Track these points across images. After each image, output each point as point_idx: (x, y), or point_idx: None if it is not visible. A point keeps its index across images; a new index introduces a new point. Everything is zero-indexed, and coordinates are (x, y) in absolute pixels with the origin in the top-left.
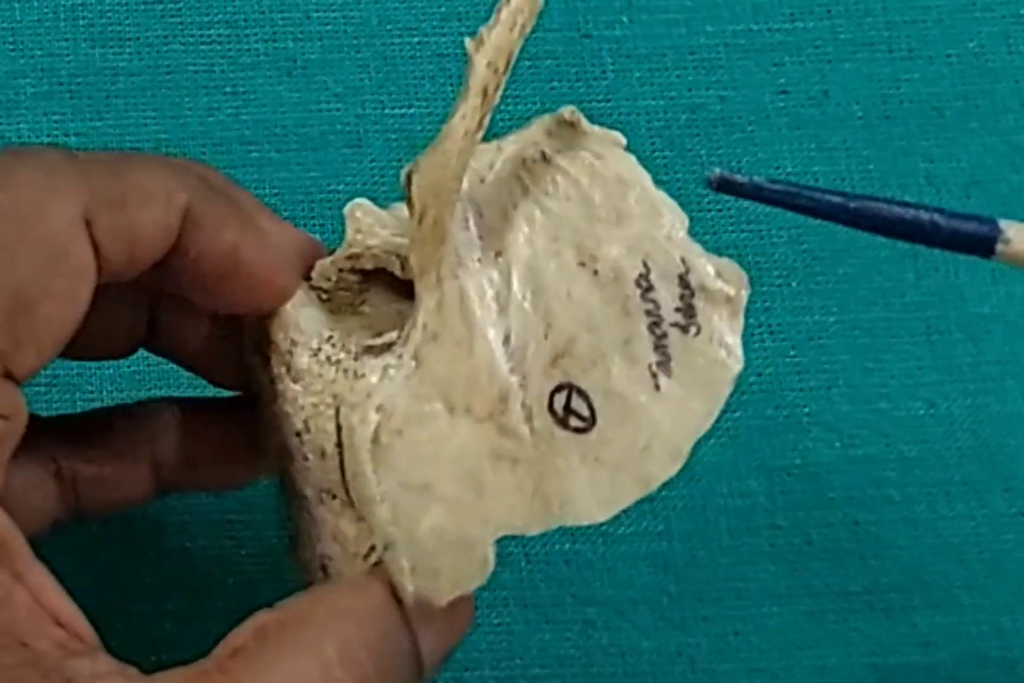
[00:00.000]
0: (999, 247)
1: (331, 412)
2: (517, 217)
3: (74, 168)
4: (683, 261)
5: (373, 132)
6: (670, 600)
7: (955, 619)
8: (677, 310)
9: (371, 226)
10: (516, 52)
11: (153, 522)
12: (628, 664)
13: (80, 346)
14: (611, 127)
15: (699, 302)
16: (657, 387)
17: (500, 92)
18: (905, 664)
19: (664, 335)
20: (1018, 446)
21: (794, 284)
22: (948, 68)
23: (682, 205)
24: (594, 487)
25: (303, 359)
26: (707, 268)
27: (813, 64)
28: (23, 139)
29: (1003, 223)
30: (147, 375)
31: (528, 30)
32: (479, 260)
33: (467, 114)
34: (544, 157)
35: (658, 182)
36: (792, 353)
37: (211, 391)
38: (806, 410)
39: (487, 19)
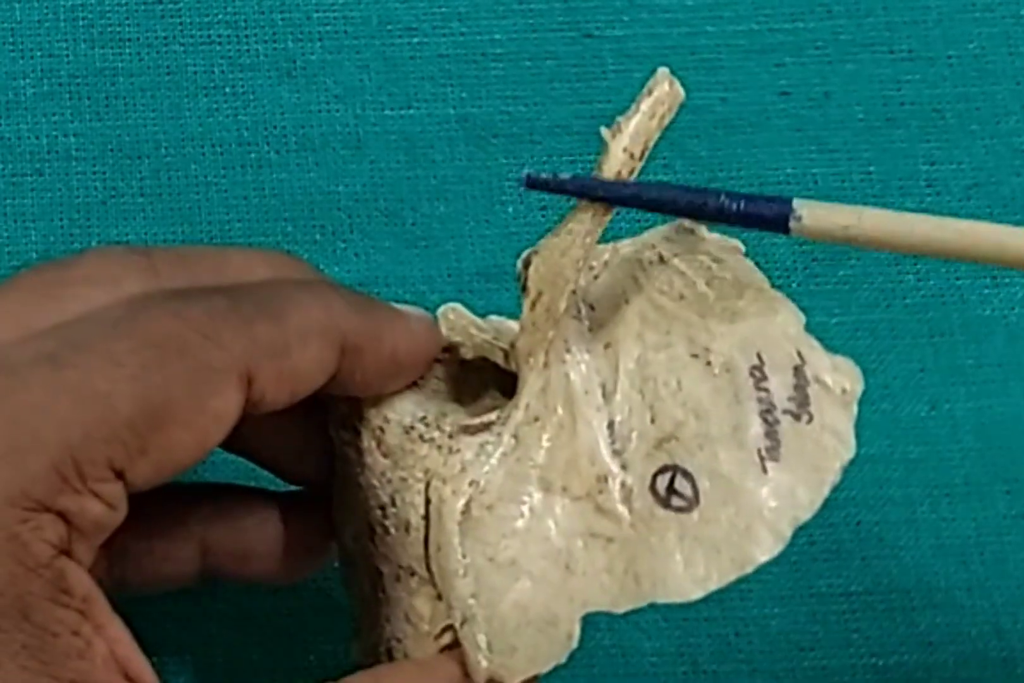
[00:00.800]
0: (793, 224)
1: (420, 486)
2: (629, 312)
3: (237, 316)
4: (799, 354)
5: (373, 133)
6: None
7: (956, 620)
8: (790, 399)
9: (464, 327)
10: (653, 141)
11: None
12: (630, 665)
13: None
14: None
15: (813, 392)
16: (764, 470)
17: (634, 177)
18: (906, 664)
19: (776, 422)
20: (1020, 448)
21: (795, 285)
22: (949, 70)
23: None
24: (689, 566)
25: (395, 435)
26: (823, 361)
27: (814, 65)
28: (23, 139)
29: (796, 202)
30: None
31: (668, 121)
32: (587, 350)
33: None
34: (661, 259)
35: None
36: None
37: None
38: None
39: (488, 19)
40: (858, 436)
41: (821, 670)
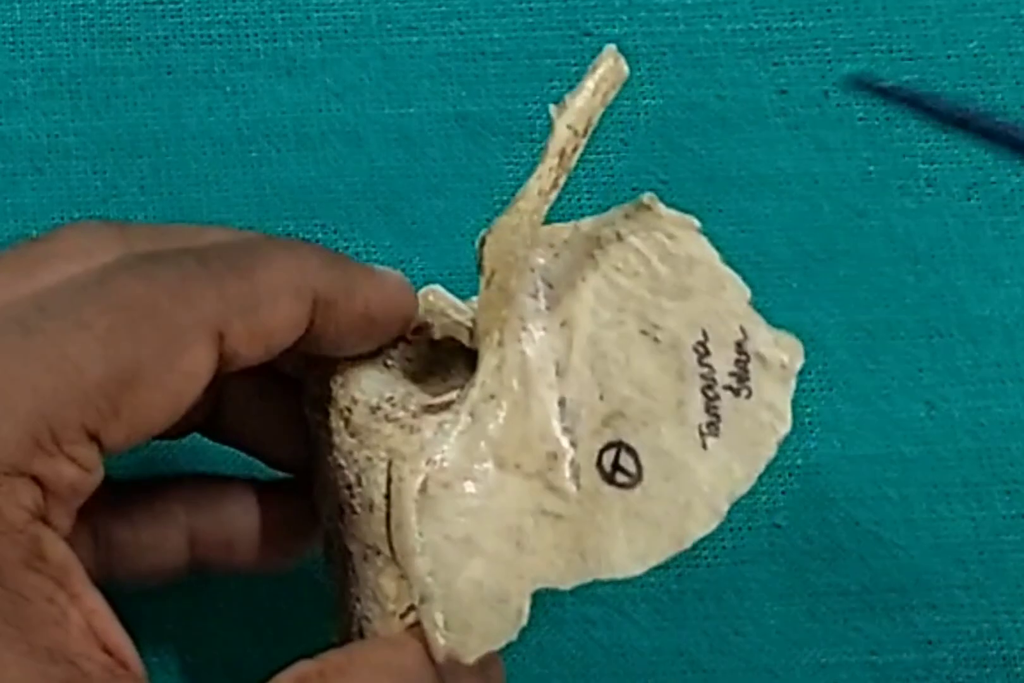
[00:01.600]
0: None
1: (384, 465)
2: (585, 290)
3: (207, 274)
4: (742, 329)
5: (372, 131)
6: (671, 598)
7: (954, 618)
8: (731, 374)
9: (443, 309)
10: (597, 118)
11: None
12: (628, 662)
13: None
14: (609, 126)
15: (753, 367)
16: (704, 446)
17: (578, 155)
18: (904, 663)
19: (716, 397)
20: (1018, 449)
21: (793, 285)
22: (948, 69)
23: (682, 205)
24: (631, 542)
25: (362, 415)
26: (765, 336)
27: (812, 64)
28: (23, 138)
29: None
30: (197, 448)
31: (611, 99)
32: (544, 328)
33: (543, 174)
34: (619, 237)
35: (656, 181)
36: None
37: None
38: (807, 411)
39: (486, 18)
40: (857, 436)
41: (819, 668)
